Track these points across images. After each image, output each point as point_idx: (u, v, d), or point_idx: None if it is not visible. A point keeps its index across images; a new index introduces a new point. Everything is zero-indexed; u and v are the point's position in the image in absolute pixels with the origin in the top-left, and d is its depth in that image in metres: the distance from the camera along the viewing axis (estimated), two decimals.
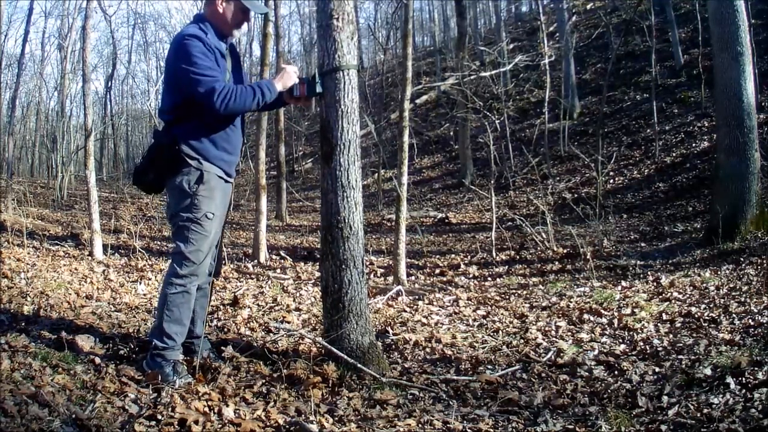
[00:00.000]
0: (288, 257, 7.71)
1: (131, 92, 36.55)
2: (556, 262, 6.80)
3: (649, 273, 5.68)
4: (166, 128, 2.85)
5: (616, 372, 3.08)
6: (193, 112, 2.73)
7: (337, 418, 2.50)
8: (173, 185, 2.79)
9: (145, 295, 4.84)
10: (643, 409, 2.52)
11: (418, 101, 21.21)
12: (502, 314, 4.53)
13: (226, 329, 3.80)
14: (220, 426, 2.25)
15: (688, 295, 4.62)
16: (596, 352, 3.45)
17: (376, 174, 16.30)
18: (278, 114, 14.01)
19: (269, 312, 4.46)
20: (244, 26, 2.94)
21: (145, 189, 2.95)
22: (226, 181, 2.91)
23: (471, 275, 6.55)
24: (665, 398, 2.60)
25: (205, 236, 2.78)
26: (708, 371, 2.82)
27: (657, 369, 3.03)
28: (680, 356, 3.18)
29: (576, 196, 11.18)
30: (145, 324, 3.70)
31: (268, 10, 3.52)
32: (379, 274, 6.69)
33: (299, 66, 32.55)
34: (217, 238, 2.90)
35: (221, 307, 4.48)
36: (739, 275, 5.09)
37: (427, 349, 3.59)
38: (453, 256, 7.85)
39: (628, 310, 4.30)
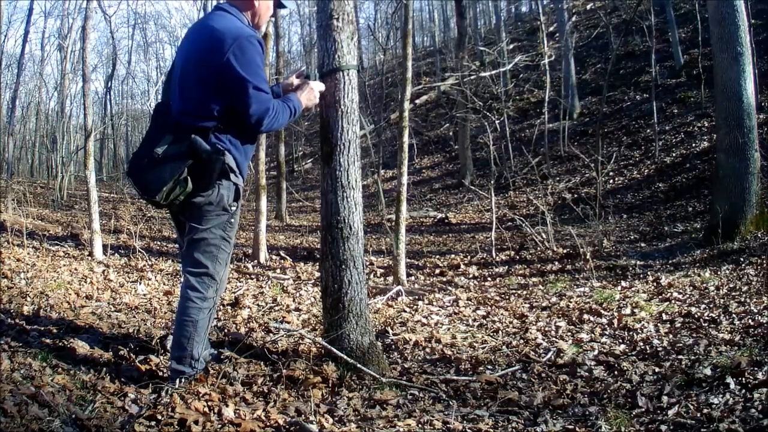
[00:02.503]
0: (288, 257, 7.71)
1: (131, 92, 36.56)
2: (556, 262, 6.80)
3: (648, 273, 5.68)
4: (202, 135, 2.45)
5: (616, 372, 3.07)
6: (235, 120, 2.48)
7: (337, 418, 2.50)
8: (207, 201, 2.49)
9: (145, 295, 4.84)
10: (643, 409, 2.52)
11: (418, 101, 21.21)
12: (502, 314, 4.53)
13: (226, 329, 3.80)
14: (220, 426, 2.25)
15: (688, 295, 4.62)
16: (596, 352, 3.45)
17: (376, 174, 16.30)
18: None
19: (269, 312, 4.46)
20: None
21: (157, 205, 2.55)
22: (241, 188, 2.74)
23: (471, 275, 6.55)
24: (665, 398, 2.60)
25: (229, 253, 2.67)
26: (708, 371, 2.82)
27: (657, 369, 3.03)
28: (680, 356, 3.18)
29: (576, 196, 11.19)
30: (145, 324, 3.70)
31: (293, 7, 3.38)
32: (379, 274, 6.69)
33: (299, 66, 32.57)
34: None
35: (221, 307, 4.48)
36: (739, 275, 5.09)
37: (427, 349, 3.59)
38: (453, 256, 7.85)
39: (628, 310, 4.30)
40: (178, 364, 2.63)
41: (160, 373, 2.81)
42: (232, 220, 2.60)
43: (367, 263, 6.57)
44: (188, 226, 2.59)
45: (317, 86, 2.82)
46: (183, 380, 2.61)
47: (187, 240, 2.61)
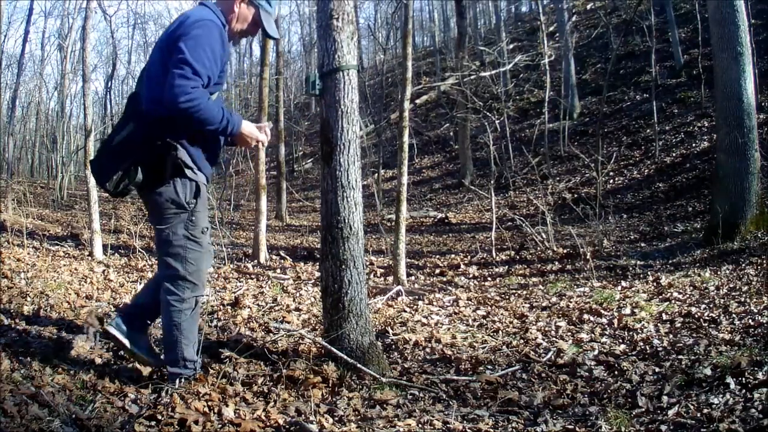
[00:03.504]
0: (288, 257, 7.71)
1: (131, 92, 36.53)
2: (556, 262, 6.80)
3: (649, 273, 5.68)
4: (158, 127, 2.39)
5: (616, 372, 3.07)
6: None
7: (337, 418, 2.50)
8: (163, 199, 2.42)
9: None
10: (643, 409, 2.52)
11: (418, 101, 21.21)
12: (502, 314, 4.53)
13: (226, 329, 3.80)
14: (220, 426, 2.25)
15: (688, 295, 4.62)
16: (596, 352, 3.44)
17: (376, 174, 16.30)
18: (278, 114, 14.03)
19: (269, 312, 4.45)
20: (244, 37, 2.70)
21: (110, 193, 2.49)
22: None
23: (471, 275, 6.55)
24: (665, 398, 2.60)
25: (203, 253, 2.54)
26: (708, 371, 2.82)
27: (657, 369, 3.03)
28: (680, 356, 3.18)
29: (576, 196, 11.18)
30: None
31: (279, 37, 3.17)
32: (379, 274, 6.69)
33: (299, 66, 32.57)
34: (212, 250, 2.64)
35: (221, 307, 4.48)
36: (739, 275, 5.09)
37: (427, 349, 3.59)
38: (453, 256, 7.85)
39: (628, 310, 4.30)
40: (173, 367, 2.61)
41: (160, 374, 2.80)
42: (194, 218, 2.47)
43: (367, 263, 6.57)
44: (155, 233, 2.56)
45: (263, 135, 2.67)
46: (183, 381, 2.61)
47: (155, 243, 2.59)
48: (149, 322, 2.80)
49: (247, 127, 2.59)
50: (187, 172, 2.42)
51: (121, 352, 3.04)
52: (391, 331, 3.91)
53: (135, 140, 2.39)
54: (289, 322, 4.10)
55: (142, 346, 2.71)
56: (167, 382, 2.61)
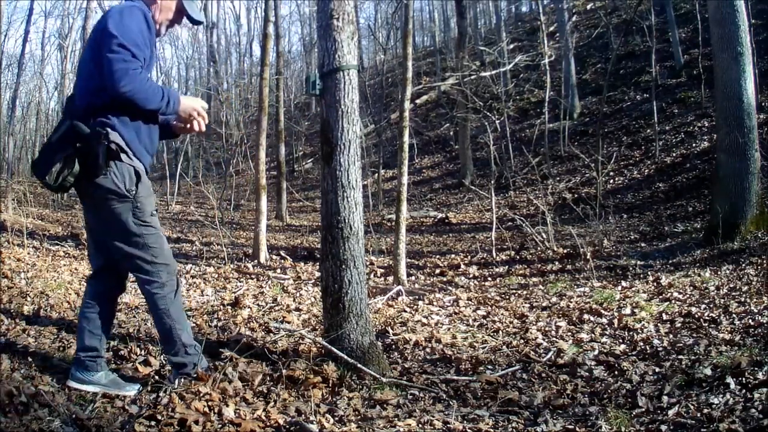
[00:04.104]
0: (288, 257, 7.71)
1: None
2: (556, 262, 6.80)
3: (649, 273, 5.68)
4: (86, 114, 2.39)
5: (616, 372, 3.07)
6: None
7: (337, 418, 2.50)
8: (103, 191, 2.38)
9: None
10: (643, 409, 2.52)
11: (418, 101, 21.21)
12: (502, 314, 4.53)
13: (226, 329, 3.80)
14: (220, 426, 2.25)
15: (688, 295, 4.62)
16: (596, 352, 3.45)
17: (376, 174, 16.30)
18: (278, 114, 14.03)
19: (269, 312, 4.45)
20: (174, 27, 2.72)
21: (50, 188, 2.43)
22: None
23: (471, 275, 6.55)
24: (665, 398, 2.60)
25: (158, 233, 2.51)
26: (708, 371, 2.82)
27: (657, 369, 3.03)
28: (680, 356, 3.18)
29: (576, 196, 11.18)
30: (145, 324, 3.70)
31: (204, 21, 3.12)
32: (379, 274, 6.69)
33: (299, 66, 32.58)
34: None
35: (221, 307, 4.48)
36: (739, 275, 5.09)
37: (427, 349, 3.59)
38: (453, 256, 7.85)
39: (628, 310, 4.30)
40: (175, 357, 2.59)
41: (161, 373, 2.80)
42: (139, 205, 2.43)
43: (367, 263, 6.57)
44: (102, 235, 2.52)
45: (198, 103, 2.63)
46: (191, 370, 2.58)
47: (110, 248, 2.51)
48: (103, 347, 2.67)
49: (187, 100, 2.59)
50: (123, 157, 2.39)
51: (122, 352, 3.05)
52: (391, 331, 3.91)
53: (68, 134, 2.40)
54: (289, 322, 4.10)
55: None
56: (172, 376, 2.60)
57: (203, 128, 2.68)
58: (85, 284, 2.74)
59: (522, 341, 3.76)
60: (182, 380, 2.60)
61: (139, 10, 2.42)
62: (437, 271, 6.87)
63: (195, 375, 2.60)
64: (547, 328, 4.02)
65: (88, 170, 2.35)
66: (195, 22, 2.75)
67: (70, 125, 2.40)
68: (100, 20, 2.51)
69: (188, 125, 2.66)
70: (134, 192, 2.41)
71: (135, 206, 2.42)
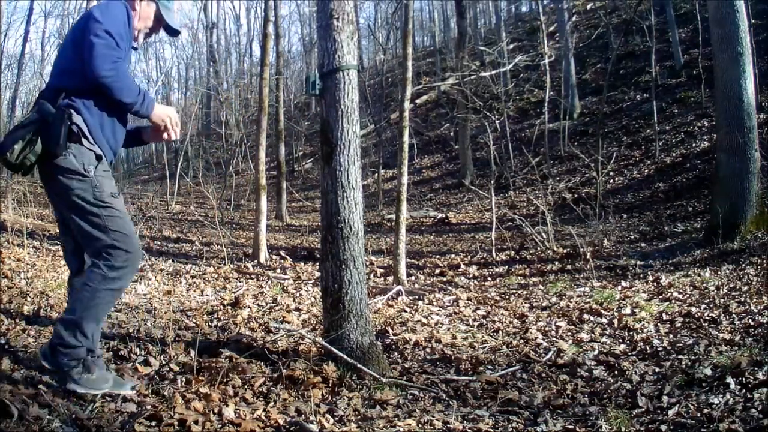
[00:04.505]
0: (288, 257, 7.71)
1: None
2: (556, 262, 6.80)
3: (649, 273, 5.68)
4: (56, 95, 2.40)
5: (616, 372, 3.08)
6: (93, 85, 2.36)
7: (337, 418, 2.50)
8: (62, 170, 2.37)
9: (145, 295, 4.84)
10: (643, 409, 2.52)
11: (418, 101, 21.21)
12: (502, 314, 4.53)
13: (226, 329, 3.80)
14: (220, 426, 2.25)
15: (688, 295, 4.62)
16: (596, 352, 3.45)
17: (376, 174, 16.30)
18: (278, 114, 14.03)
19: (269, 312, 4.46)
20: (151, 37, 2.73)
21: (10, 166, 2.40)
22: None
23: (471, 275, 6.55)
24: (665, 398, 2.60)
25: (120, 216, 2.43)
26: (708, 371, 2.82)
27: (657, 369, 3.03)
28: (680, 356, 3.18)
29: (576, 196, 11.18)
30: (145, 324, 3.70)
31: (181, 32, 3.11)
32: (379, 274, 6.69)
33: (299, 66, 32.59)
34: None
35: (221, 307, 4.48)
36: (739, 275, 5.09)
37: (427, 349, 3.60)
38: (453, 256, 7.85)
39: (628, 310, 4.30)
40: (60, 328, 2.39)
41: (161, 373, 2.80)
42: (97, 184, 2.39)
43: (367, 263, 6.57)
44: (64, 216, 2.50)
45: (172, 112, 2.61)
46: (79, 365, 2.38)
47: (74, 229, 2.47)
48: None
49: (161, 107, 2.58)
50: (84, 141, 2.38)
51: (121, 352, 3.05)
52: (391, 331, 3.91)
53: (34, 115, 2.41)
54: (289, 322, 4.10)
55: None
56: (51, 372, 2.43)
57: (175, 137, 2.66)
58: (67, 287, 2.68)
59: (522, 341, 3.76)
60: (79, 365, 2.39)
61: (123, 5, 2.46)
62: (437, 271, 6.87)
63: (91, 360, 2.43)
64: (547, 328, 4.02)
65: (49, 150, 2.34)
66: (172, 33, 2.75)
67: (36, 104, 2.43)
68: (85, 13, 2.56)
69: (160, 132, 2.63)
70: (92, 172, 2.39)
71: (94, 186, 2.39)
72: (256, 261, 7.28)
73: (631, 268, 5.97)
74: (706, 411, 2.40)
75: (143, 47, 33.50)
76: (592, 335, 3.83)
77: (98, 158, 2.42)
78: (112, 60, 2.30)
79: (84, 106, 2.40)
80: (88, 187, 2.39)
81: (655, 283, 5.16)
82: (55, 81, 2.47)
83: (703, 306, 4.24)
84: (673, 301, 4.50)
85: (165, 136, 2.63)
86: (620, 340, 3.68)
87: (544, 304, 4.77)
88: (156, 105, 2.54)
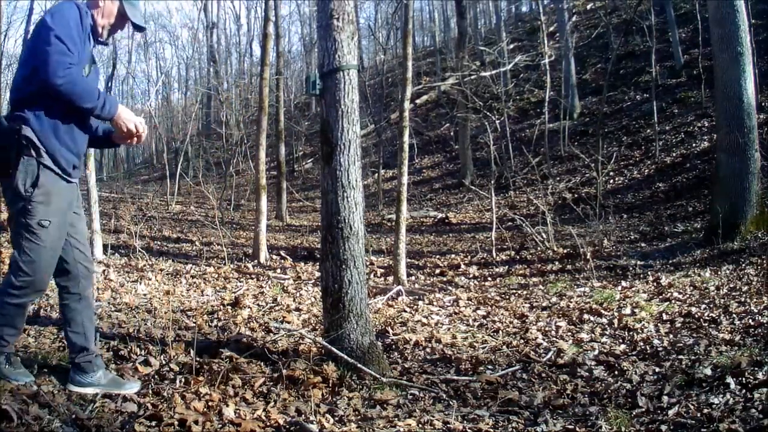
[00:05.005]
0: (288, 257, 7.71)
1: (131, 92, 36.55)
2: (556, 262, 6.80)
3: (649, 273, 5.68)
4: (12, 108, 2.40)
5: (616, 372, 3.08)
6: (42, 90, 2.33)
7: (337, 418, 2.50)
8: (7, 184, 2.37)
9: (145, 295, 4.84)
10: (643, 409, 2.52)
11: (418, 101, 21.21)
12: (502, 314, 4.53)
13: (226, 329, 3.80)
14: (220, 426, 2.25)
15: (688, 295, 4.62)
16: (596, 352, 3.45)
17: (376, 174, 16.29)
18: (278, 114, 14.04)
19: (269, 312, 4.46)
20: (116, 33, 2.70)
21: None
22: (68, 182, 2.47)
23: (471, 275, 6.55)
24: (665, 398, 2.60)
25: (41, 246, 2.37)
26: (708, 371, 2.82)
27: (657, 369, 3.03)
28: (680, 356, 3.18)
29: (576, 196, 11.19)
30: (145, 324, 3.70)
31: (147, 28, 3.09)
32: (379, 274, 6.69)
33: (299, 66, 32.59)
34: (59, 246, 2.47)
35: (221, 307, 4.48)
36: (739, 275, 5.09)
37: (427, 349, 3.60)
38: (453, 256, 7.85)
39: (628, 310, 4.30)
40: None
41: (161, 373, 2.80)
42: (30, 207, 2.35)
43: (367, 263, 6.57)
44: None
45: (138, 120, 2.57)
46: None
47: None
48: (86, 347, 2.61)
49: (126, 112, 2.54)
50: (34, 153, 2.34)
51: (121, 352, 3.05)
52: (391, 331, 3.91)
53: None
54: (289, 322, 4.11)
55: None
56: None
57: (141, 141, 2.64)
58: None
59: (522, 341, 3.76)
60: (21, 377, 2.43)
61: (75, 8, 2.42)
62: (437, 271, 6.87)
63: None
64: (547, 328, 4.02)
65: (1, 165, 2.33)
66: (138, 28, 2.72)
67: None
68: (39, 20, 2.51)
69: (125, 137, 2.60)
70: (30, 195, 2.35)
71: (27, 210, 2.36)
72: (256, 261, 7.28)
73: (631, 268, 5.97)
74: (706, 411, 2.40)
75: (143, 47, 33.52)
76: (592, 335, 3.83)
77: (37, 180, 2.34)
78: (64, 66, 2.27)
79: (35, 116, 2.36)
80: (22, 207, 2.36)
81: (655, 283, 5.16)
82: (12, 93, 2.44)
83: (703, 306, 4.24)
84: (673, 301, 4.50)
85: (129, 141, 2.61)
86: (620, 340, 3.68)
87: (544, 304, 4.77)
88: (120, 107, 2.50)
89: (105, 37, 2.63)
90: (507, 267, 6.88)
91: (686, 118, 13.31)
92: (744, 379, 2.63)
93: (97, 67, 2.70)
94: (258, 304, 4.69)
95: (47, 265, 2.42)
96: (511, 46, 20.01)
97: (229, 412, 2.37)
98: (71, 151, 2.46)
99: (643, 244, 7.52)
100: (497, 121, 11.06)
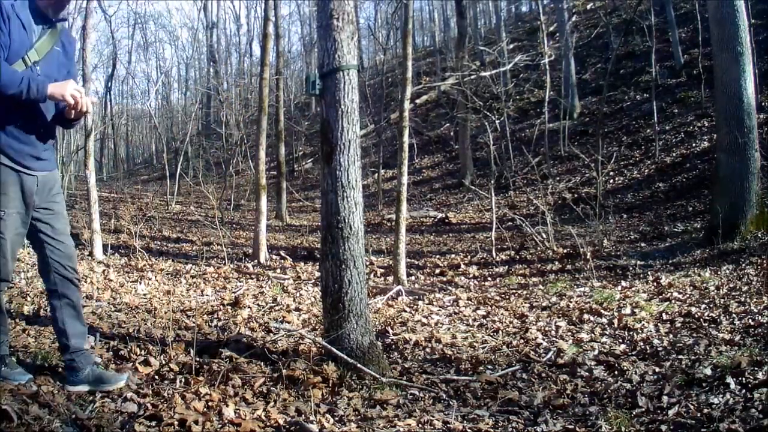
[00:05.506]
0: (288, 257, 7.71)
1: (131, 92, 36.55)
2: (556, 262, 6.80)
3: (649, 273, 5.68)
4: None
5: (616, 372, 3.07)
6: None
7: (337, 418, 2.50)
8: None
9: (145, 295, 4.84)
10: (643, 409, 2.52)
11: (418, 101, 21.21)
12: (502, 314, 4.53)
13: (226, 329, 3.80)
14: (220, 426, 2.25)
15: (688, 295, 4.62)
16: (596, 352, 3.45)
17: (376, 174, 16.29)
18: (278, 114, 14.04)
19: (269, 312, 4.46)
20: (63, 10, 2.61)
21: None
22: (26, 173, 2.44)
23: (471, 275, 6.55)
24: (665, 398, 2.60)
25: (1, 237, 2.36)
26: (708, 371, 2.82)
27: (657, 369, 3.03)
28: (680, 356, 3.18)
29: (576, 196, 11.18)
30: (145, 324, 3.70)
31: None
32: (379, 274, 6.69)
33: (299, 66, 32.59)
34: (20, 238, 2.46)
35: (221, 307, 4.48)
36: (739, 275, 5.09)
37: (427, 349, 3.59)
38: (453, 256, 7.85)
39: (628, 310, 4.30)
40: None
41: (161, 373, 2.80)
42: None
43: (367, 263, 6.57)
44: None
45: (70, 86, 2.47)
46: None
47: None
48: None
49: (56, 87, 2.45)
50: None
51: (121, 352, 3.05)
52: (391, 331, 3.91)
53: None
54: (289, 322, 4.10)
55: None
56: None
57: (86, 109, 2.56)
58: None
59: (522, 341, 3.76)
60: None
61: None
62: (437, 271, 6.87)
63: None
64: (547, 328, 4.02)
65: None
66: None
67: None
68: None
69: (74, 109, 2.51)
70: None
71: None
72: (256, 261, 7.29)
73: (631, 268, 5.98)
74: (706, 411, 2.40)
75: (143, 47, 33.51)
76: (592, 335, 3.83)
77: (3, 167, 2.33)
78: None
79: None
80: None
81: (655, 283, 5.16)
82: None
83: (703, 306, 4.24)
84: (673, 301, 4.50)
85: (76, 110, 2.51)
86: (620, 340, 3.68)
87: (544, 304, 4.77)
88: (49, 85, 2.42)
89: (51, 16, 2.54)
90: (507, 267, 6.88)
91: (686, 118, 13.32)
92: (744, 379, 2.63)
93: (69, 49, 2.62)
94: (258, 304, 4.69)
95: (8, 256, 2.40)
96: (511, 46, 20.00)
97: (229, 412, 2.37)
98: (20, 140, 2.42)
99: (643, 244, 7.52)
100: (497, 121, 11.05)
